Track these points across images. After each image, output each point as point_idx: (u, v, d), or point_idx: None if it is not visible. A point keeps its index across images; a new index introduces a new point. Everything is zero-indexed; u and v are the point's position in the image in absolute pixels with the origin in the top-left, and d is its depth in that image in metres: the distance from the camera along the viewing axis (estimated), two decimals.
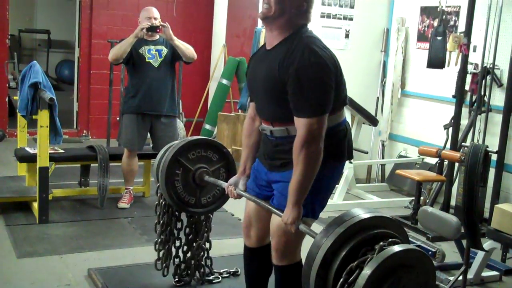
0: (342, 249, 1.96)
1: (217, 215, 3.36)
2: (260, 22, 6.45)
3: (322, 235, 2.01)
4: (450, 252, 4.04)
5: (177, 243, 3.26)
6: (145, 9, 4.66)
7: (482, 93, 4.98)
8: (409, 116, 6.21)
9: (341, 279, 1.91)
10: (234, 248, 3.71)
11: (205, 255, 3.33)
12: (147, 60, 4.56)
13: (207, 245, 3.32)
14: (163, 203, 3.15)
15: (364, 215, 2.02)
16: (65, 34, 10.91)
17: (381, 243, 1.92)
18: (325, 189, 2.42)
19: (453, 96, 5.10)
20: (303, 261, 2.11)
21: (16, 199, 4.52)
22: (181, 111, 7.13)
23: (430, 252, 3.85)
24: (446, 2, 5.25)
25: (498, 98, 5.00)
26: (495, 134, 4.86)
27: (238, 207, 3.71)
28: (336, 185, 5.25)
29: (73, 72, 8.26)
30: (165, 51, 4.61)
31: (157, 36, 4.63)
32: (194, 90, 7.81)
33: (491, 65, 4.90)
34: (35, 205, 4.29)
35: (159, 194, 3.14)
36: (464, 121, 5.13)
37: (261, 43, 5.92)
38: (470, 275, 3.59)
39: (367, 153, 5.71)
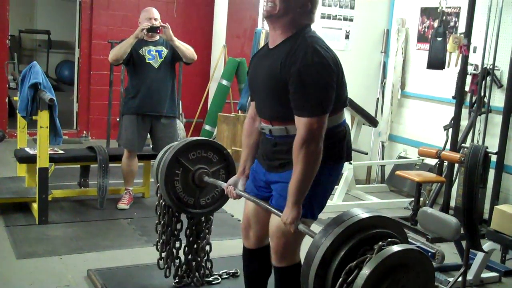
0: (341, 249, 1.95)
1: (216, 216, 3.36)
2: (260, 22, 6.49)
3: (321, 235, 2.01)
4: (450, 253, 4.04)
5: (177, 244, 3.26)
6: (145, 9, 4.66)
7: (482, 94, 4.98)
8: (409, 117, 6.21)
9: (340, 279, 1.91)
10: (234, 249, 3.70)
11: (206, 257, 3.33)
12: (147, 61, 4.56)
13: (208, 247, 3.32)
14: (163, 203, 3.15)
15: (363, 214, 2.02)
16: (65, 34, 10.91)
17: (380, 243, 1.92)
18: (324, 190, 2.42)
19: (453, 97, 5.10)
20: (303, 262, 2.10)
21: (16, 199, 4.52)
22: (181, 111, 7.13)
23: (429, 253, 3.84)
24: (446, 3, 5.25)
25: (498, 99, 5.00)
26: (495, 135, 4.86)
27: (238, 208, 3.71)
28: (336, 186, 5.26)
29: (73, 72, 8.27)
30: (165, 51, 4.61)
31: (157, 37, 4.63)
32: (194, 90, 7.81)
33: (491, 66, 4.91)
34: (35, 205, 4.29)
35: (159, 195, 3.14)
36: (464, 122, 5.13)
37: (261, 44, 5.93)
38: (469, 276, 3.59)
39: (367, 154, 5.70)
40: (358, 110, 5.51)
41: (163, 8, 7.17)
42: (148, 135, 4.77)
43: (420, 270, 1.93)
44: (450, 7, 5.52)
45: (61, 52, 11.74)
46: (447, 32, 5.30)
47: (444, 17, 5.40)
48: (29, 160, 4.51)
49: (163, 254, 3.24)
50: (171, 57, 4.63)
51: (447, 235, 3.18)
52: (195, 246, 3.28)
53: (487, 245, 3.60)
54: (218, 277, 3.41)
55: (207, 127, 7.26)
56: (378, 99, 6.40)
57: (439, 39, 5.20)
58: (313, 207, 2.39)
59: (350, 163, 5.46)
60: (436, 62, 5.21)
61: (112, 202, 4.77)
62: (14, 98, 5.21)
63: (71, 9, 8.43)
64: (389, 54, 6.32)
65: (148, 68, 4.56)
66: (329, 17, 6.06)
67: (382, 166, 6.34)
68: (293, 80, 2.23)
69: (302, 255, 2.23)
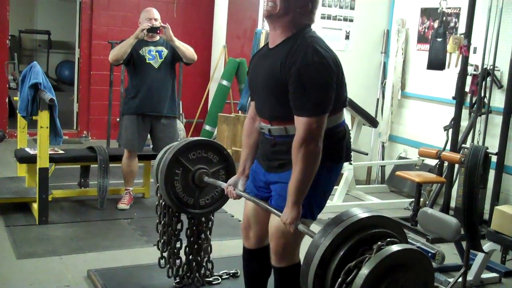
0: (340, 248, 1.95)
1: (217, 216, 3.36)
2: (260, 23, 6.49)
3: (320, 234, 2.01)
4: (450, 254, 4.04)
5: (178, 245, 3.26)
6: (146, 10, 4.67)
7: (482, 94, 4.98)
8: (409, 117, 6.21)
9: (339, 279, 1.91)
10: (234, 250, 3.70)
11: (207, 258, 3.33)
12: (147, 61, 4.56)
13: (208, 248, 3.32)
14: (163, 203, 3.15)
15: (362, 214, 2.02)
16: (66, 35, 10.93)
17: (379, 242, 1.92)
18: (323, 191, 2.42)
19: (453, 98, 5.10)
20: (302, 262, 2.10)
21: (16, 200, 4.52)
22: (181, 112, 7.13)
23: (430, 254, 3.84)
24: (446, 4, 5.25)
25: (498, 99, 5.00)
26: (495, 135, 4.86)
27: (238, 209, 3.71)
28: (336, 187, 5.27)
29: (73, 73, 8.27)
30: (165, 52, 4.61)
31: (158, 37, 4.64)
32: (194, 91, 7.82)
33: (491, 67, 4.90)
34: (35, 206, 4.29)
35: (159, 195, 3.14)
36: (464, 123, 5.13)
37: (261, 44, 5.93)
38: (469, 277, 3.58)
39: (367, 154, 5.70)
40: (358, 110, 5.51)
41: (163, 8, 7.17)
42: (148, 135, 4.78)
43: (419, 270, 1.93)
44: (450, 8, 5.52)
45: (61, 52, 11.76)
46: (447, 32, 5.30)
47: (444, 18, 5.39)
48: (29, 160, 4.51)
49: (164, 254, 3.25)
50: (171, 58, 4.63)
51: (447, 236, 3.18)
52: (196, 246, 3.28)
53: (487, 245, 3.60)
54: (218, 278, 3.41)
55: (207, 128, 7.26)
56: (378, 99, 6.40)
57: (439, 39, 5.19)
58: (313, 207, 2.39)
59: (350, 164, 5.47)
60: (436, 63, 5.20)
61: (112, 202, 4.77)
62: (14, 98, 5.21)
63: (71, 9, 8.44)
64: (389, 55, 6.32)
65: (148, 68, 4.56)
66: (329, 17, 6.06)
67: (382, 167, 6.34)
68: (293, 80, 2.23)
69: (302, 255, 2.23)
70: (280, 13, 2.31)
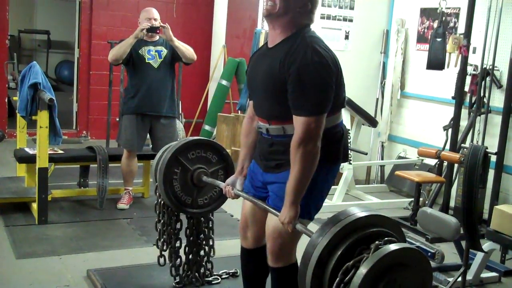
0: (338, 248, 1.95)
1: (216, 216, 3.36)
2: (259, 23, 6.50)
3: (318, 234, 2.00)
4: (450, 253, 4.04)
5: (177, 244, 3.26)
6: (145, 10, 4.67)
7: (482, 94, 4.98)
8: (409, 117, 6.21)
9: (337, 279, 1.90)
10: (233, 249, 3.69)
11: (206, 258, 3.33)
12: (146, 61, 4.56)
13: (208, 248, 3.33)
14: (162, 202, 3.15)
15: (360, 213, 2.02)
16: (65, 34, 10.92)
17: (376, 242, 1.92)
18: (320, 191, 2.41)
19: (453, 98, 5.10)
20: (299, 262, 2.10)
21: (15, 199, 4.52)
22: (180, 111, 7.14)
23: (429, 253, 3.84)
24: (446, 4, 5.25)
25: (497, 99, 5.00)
26: (495, 135, 4.86)
27: (238, 208, 3.68)
28: (335, 186, 5.27)
29: (73, 72, 8.28)
30: (164, 52, 4.61)
31: (157, 37, 4.64)
32: (194, 91, 7.82)
33: (490, 67, 4.90)
34: (34, 205, 4.29)
35: (157, 194, 3.14)
36: (464, 122, 5.13)
37: (261, 44, 5.92)
38: (469, 276, 3.59)
39: (366, 154, 5.70)
40: (357, 110, 5.52)
41: (163, 8, 7.17)
42: (148, 135, 4.78)
43: (418, 269, 1.93)
44: (449, 8, 5.52)
45: (61, 52, 11.74)
46: (446, 32, 5.30)
47: (443, 18, 5.39)
48: (29, 160, 4.51)
49: (164, 253, 3.24)
50: (171, 57, 4.63)
51: (447, 235, 3.18)
52: (195, 246, 3.28)
53: (486, 245, 3.60)
54: (218, 277, 3.41)
55: (207, 127, 7.26)
56: (377, 99, 6.40)
57: (439, 39, 5.19)
58: (310, 207, 2.38)
59: (350, 163, 5.47)
60: (436, 63, 5.21)
61: (111, 202, 4.77)
62: (14, 98, 5.22)
63: (71, 9, 8.43)
64: (389, 55, 6.32)
65: (147, 68, 4.56)
66: (328, 17, 6.06)
67: (382, 166, 6.34)
68: (292, 80, 2.23)
69: (299, 255, 2.23)
70: (280, 12, 2.31)
